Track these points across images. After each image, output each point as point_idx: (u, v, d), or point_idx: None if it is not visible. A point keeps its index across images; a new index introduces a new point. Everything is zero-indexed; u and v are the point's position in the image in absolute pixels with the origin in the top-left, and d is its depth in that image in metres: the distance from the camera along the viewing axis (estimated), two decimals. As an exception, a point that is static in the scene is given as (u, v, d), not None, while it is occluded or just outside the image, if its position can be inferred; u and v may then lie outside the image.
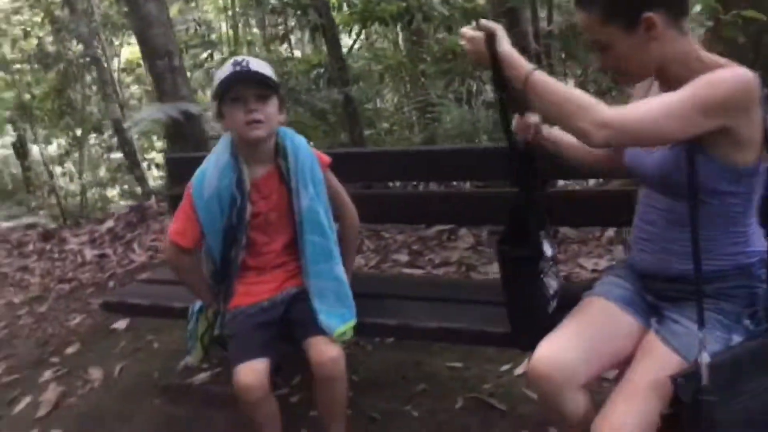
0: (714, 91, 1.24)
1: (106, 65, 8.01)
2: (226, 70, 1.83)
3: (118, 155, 11.40)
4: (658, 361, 1.36)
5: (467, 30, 1.48)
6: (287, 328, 1.94)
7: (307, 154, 1.96)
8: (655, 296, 1.52)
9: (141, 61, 10.96)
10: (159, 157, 10.94)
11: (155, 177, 9.42)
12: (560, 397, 1.41)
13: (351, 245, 2.14)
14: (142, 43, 4.49)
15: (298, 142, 1.97)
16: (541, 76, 1.34)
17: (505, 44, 1.42)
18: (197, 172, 1.94)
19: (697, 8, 4.86)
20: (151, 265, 3.97)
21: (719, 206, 1.37)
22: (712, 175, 1.32)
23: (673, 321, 1.43)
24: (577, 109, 1.28)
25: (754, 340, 1.36)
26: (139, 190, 11.16)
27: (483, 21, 1.46)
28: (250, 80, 1.81)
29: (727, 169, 1.32)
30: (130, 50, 11.05)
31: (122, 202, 10.59)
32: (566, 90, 1.33)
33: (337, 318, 1.87)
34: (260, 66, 1.84)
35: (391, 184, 4.06)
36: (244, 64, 1.82)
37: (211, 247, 1.96)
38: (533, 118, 1.65)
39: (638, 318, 1.51)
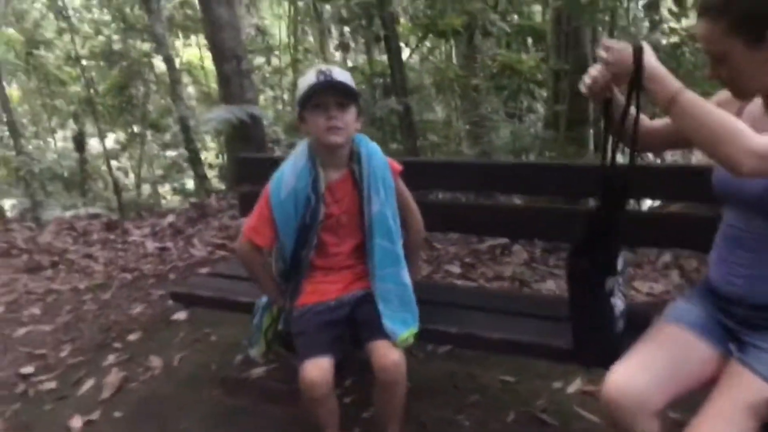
0: None
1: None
2: (311, 78, 1.91)
3: (172, 153, 11.77)
4: (746, 387, 1.35)
5: (611, 41, 1.47)
6: (352, 329, 2.00)
7: (380, 161, 2.02)
8: (736, 322, 1.50)
9: (200, 63, 11.37)
10: (211, 157, 11.23)
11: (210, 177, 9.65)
12: (633, 424, 1.40)
13: (416, 252, 2.21)
14: (213, 45, 4.65)
15: (372, 149, 2.03)
16: (692, 96, 1.32)
17: (653, 59, 1.40)
18: (275, 173, 2.03)
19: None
20: (211, 260, 4.09)
21: None
22: None
23: (756, 347, 1.41)
24: (727, 135, 1.26)
25: None
26: (190, 187, 11.48)
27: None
28: (332, 88, 1.89)
29: None
30: (188, 52, 11.41)
31: (175, 198, 10.89)
32: (717, 113, 1.30)
33: (401, 323, 1.92)
34: (342, 75, 1.92)
35: (441, 195, 4.11)
36: (327, 73, 1.90)
37: (283, 246, 2.03)
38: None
39: (713, 344, 1.50)
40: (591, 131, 5.40)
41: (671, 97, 1.33)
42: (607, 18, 4.92)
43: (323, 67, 1.94)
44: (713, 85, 1.59)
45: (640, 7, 5.45)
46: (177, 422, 2.44)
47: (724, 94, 1.53)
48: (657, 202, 3.53)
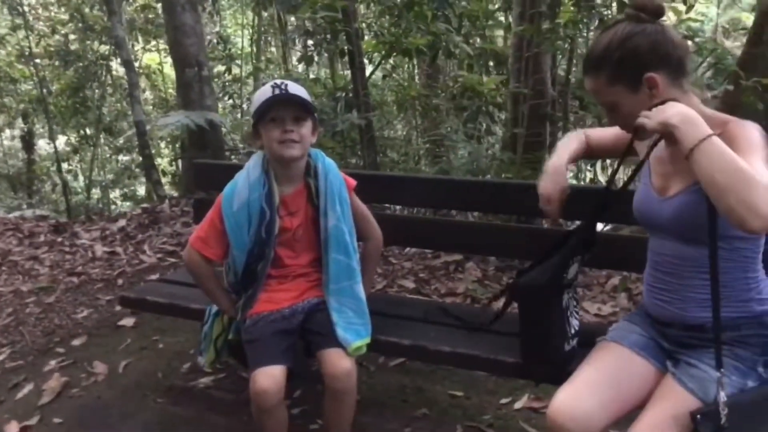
0: (755, 136, 1.34)
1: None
2: (266, 92, 1.90)
3: (125, 158, 11.53)
4: (676, 401, 1.40)
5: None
6: (304, 337, 2.00)
7: (336, 176, 2.03)
8: (672, 343, 1.56)
9: (159, 68, 11.22)
10: (164, 164, 11.05)
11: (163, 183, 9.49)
12: None
13: (373, 265, 2.24)
14: (175, 51, 4.60)
15: (328, 164, 2.04)
16: (719, 142, 1.27)
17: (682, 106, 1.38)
18: (229, 184, 2.01)
19: (708, 74, 5.01)
20: (161, 267, 4.02)
21: (731, 252, 1.43)
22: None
23: (689, 365, 1.47)
24: (751, 183, 1.21)
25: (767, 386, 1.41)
26: (141, 193, 11.25)
27: None
28: (288, 102, 1.90)
29: None
30: (147, 56, 11.25)
31: (125, 204, 10.65)
32: (742, 162, 1.24)
33: (354, 333, 1.93)
34: (298, 90, 1.93)
35: (398, 210, 4.15)
36: (283, 87, 1.90)
37: (235, 260, 2.01)
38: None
39: (653, 362, 1.55)
40: (547, 155, 5.53)
41: (702, 139, 1.27)
42: (567, 45, 5.07)
43: (279, 81, 1.94)
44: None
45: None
46: (119, 430, 2.38)
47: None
48: (608, 226, 3.63)
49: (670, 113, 1.33)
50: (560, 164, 1.76)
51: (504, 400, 2.47)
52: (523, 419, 2.35)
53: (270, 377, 1.81)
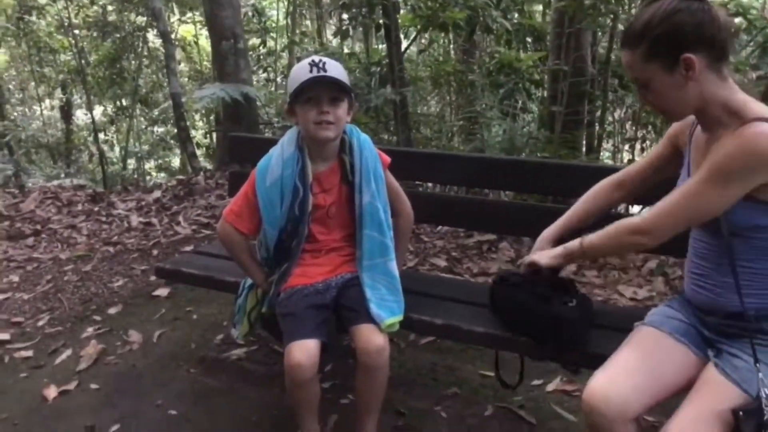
0: (731, 161, 1.33)
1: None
2: (303, 70, 1.86)
3: (160, 129, 11.66)
4: (718, 394, 1.37)
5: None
6: (337, 312, 1.99)
7: (371, 152, 2.01)
8: (712, 331, 1.52)
9: (194, 40, 11.25)
10: (199, 136, 11.14)
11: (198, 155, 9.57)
12: (612, 430, 1.42)
13: (404, 241, 2.22)
14: (211, 23, 4.60)
15: (363, 140, 2.02)
16: (587, 238, 1.61)
17: (546, 259, 1.73)
18: (263, 158, 2.00)
19: (755, 54, 4.82)
20: (195, 239, 4.06)
21: (763, 239, 1.40)
22: (748, 212, 1.36)
23: (731, 355, 1.43)
24: (620, 239, 1.52)
25: None
26: (175, 165, 11.38)
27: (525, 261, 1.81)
28: (325, 84, 1.86)
29: (762, 206, 1.36)
30: (183, 28, 11.28)
31: (160, 175, 10.79)
32: (605, 232, 1.56)
33: (387, 310, 1.92)
34: (336, 69, 1.88)
35: (431, 188, 4.11)
36: (321, 65, 1.86)
37: (266, 236, 2.01)
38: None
39: (693, 350, 1.52)
40: (584, 134, 5.42)
41: (579, 248, 1.63)
42: (608, 22, 4.93)
43: (316, 58, 1.90)
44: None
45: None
46: (153, 398, 2.42)
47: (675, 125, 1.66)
48: (646, 208, 3.55)
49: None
50: (542, 237, 1.89)
51: (536, 382, 2.45)
52: (555, 402, 2.33)
53: (304, 351, 1.81)
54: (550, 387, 2.41)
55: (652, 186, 1.76)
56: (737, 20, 4.32)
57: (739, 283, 1.41)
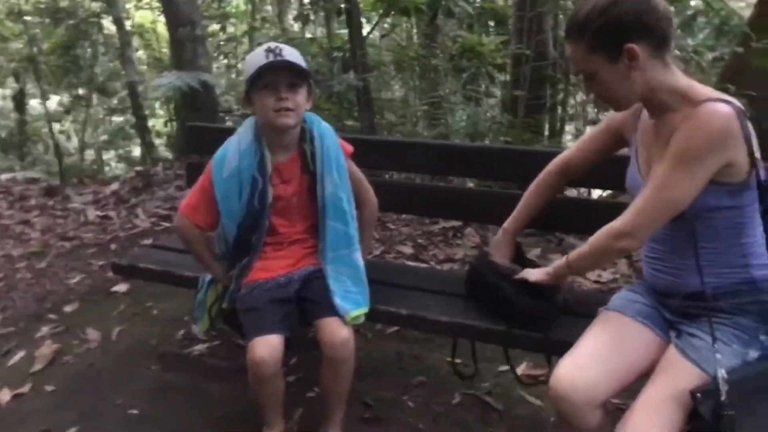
0: (692, 144, 1.34)
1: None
2: (259, 56, 1.81)
3: (119, 118, 11.36)
4: (679, 375, 1.38)
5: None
6: (300, 306, 1.95)
7: (333, 141, 1.97)
8: (673, 313, 1.55)
9: (152, 26, 10.97)
10: (159, 125, 10.90)
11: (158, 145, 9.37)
12: (580, 416, 1.43)
13: (369, 232, 2.18)
14: (167, 8, 4.46)
15: (324, 129, 1.97)
16: (572, 254, 1.60)
17: (534, 276, 1.73)
18: (219, 149, 1.95)
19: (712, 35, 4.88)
20: (154, 231, 3.97)
21: (722, 220, 1.42)
22: (709, 194, 1.38)
23: (691, 335, 1.45)
24: (604, 245, 1.50)
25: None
26: (136, 155, 11.12)
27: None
28: (283, 68, 1.81)
29: (722, 187, 1.38)
30: (140, 14, 10.99)
31: (120, 166, 10.55)
32: (588, 244, 1.55)
33: (352, 302, 1.89)
34: (293, 54, 1.84)
35: (396, 175, 4.07)
36: (277, 51, 1.81)
37: (225, 229, 1.96)
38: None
39: (656, 332, 1.54)
40: (547, 118, 5.45)
41: (567, 266, 1.63)
42: (570, 4, 4.93)
43: (272, 44, 1.85)
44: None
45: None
46: (112, 397, 2.35)
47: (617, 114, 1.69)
48: (607, 192, 3.58)
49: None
50: (505, 230, 1.94)
51: (503, 368, 2.44)
52: (522, 387, 2.32)
53: (268, 346, 1.77)
54: (517, 372, 2.40)
55: (591, 168, 1.82)
56: (694, 2, 4.37)
57: (700, 264, 1.43)
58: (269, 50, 1.82)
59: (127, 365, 2.56)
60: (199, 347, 2.66)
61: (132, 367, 2.55)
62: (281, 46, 1.85)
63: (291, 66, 1.82)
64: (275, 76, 1.81)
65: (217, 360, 2.58)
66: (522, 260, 1.97)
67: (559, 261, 1.65)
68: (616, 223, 1.47)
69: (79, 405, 2.31)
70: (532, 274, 1.73)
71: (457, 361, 2.48)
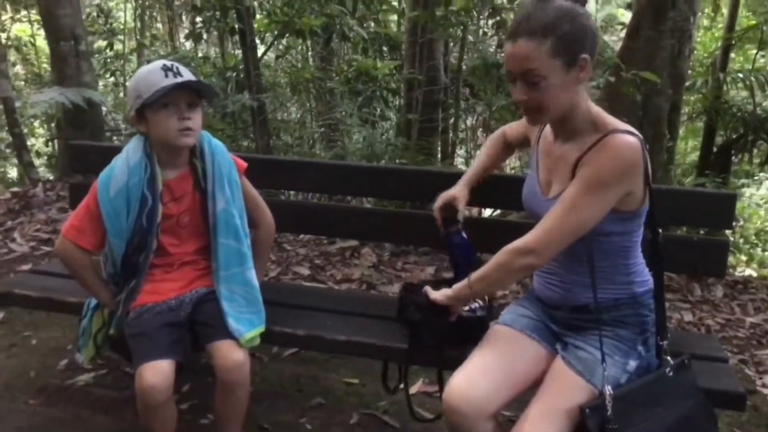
0: (604, 172, 1.42)
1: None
2: (157, 75, 1.77)
3: (-6, 137, 10.57)
4: (565, 386, 1.46)
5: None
6: (192, 329, 1.90)
7: (224, 157, 1.95)
8: (560, 326, 1.64)
9: (31, 40, 10.34)
10: (39, 144, 10.24)
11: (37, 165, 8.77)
12: (473, 428, 1.47)
13: (265, 251, 2.16)
14: (47, 22, 4.24)
15: (215, 145, 1.95)
16: (473, 277, 1.58)
17: (435, 295, 1.70)
18: (106, 168, 1.87)
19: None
20: (34, 256, 3.72)
21: (612, 243, 1.53)
22: (605, 220, 1.46)
23: (576, 347, 1.54)
24: (507, 262, 1.50)
25: (649, 373, 1.50)
26: (13, 176, 10.38)
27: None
28: (185, 88, 1.79)
29: (617, 215, 1.48)
30: (17, 27, 10.34)
31: (-6, 187, 9.78)
32: (490, 264, 1.54)
33: (246, 323, 1.86)
34: (189, 74, 1.83)
35: (293, 194, 4.07)
36: (175, 70, 1.79)
37: (113, 249, 1.88)
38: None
39: (544, 345, 1.62)
40: (439, 141, 5.63)
41: (468, 287, 1.59)
42: (459, 33, 5.16)
43: (168, 62, 1.83)
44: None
45: (489, 24, 5.80)
46: (-15, 436, 2.17)
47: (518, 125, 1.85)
48: (497, 211, 3.74)
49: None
50: (450, 193, 1.93)
51: (401, 386, 2.47)
52: (418, 404, 2.36)
53: (157, 372, 1.70)
54: (412, 390, 2.44)
55: (518, 147, 1.96)
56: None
57: (595, 281, 1.51)
58: (166, 68, 1.79)
59: (3, 400, 2.37)
60: (84, 377, 2.52)
61: (8, 402, 2.36)
62: (176, 64, 1.83)
63: (193, 85, 1.81)
64: (175, 96, 1.78)
65: (104, 390, 2.45)
66: (454, 215, 1.93)
67: (461, 283, 1.63)
68: (519, 242, 1.48)
69: (-54, 447, 2.12)
70: (433, 294, 1.72)
71: (354, 381, 2.51)
